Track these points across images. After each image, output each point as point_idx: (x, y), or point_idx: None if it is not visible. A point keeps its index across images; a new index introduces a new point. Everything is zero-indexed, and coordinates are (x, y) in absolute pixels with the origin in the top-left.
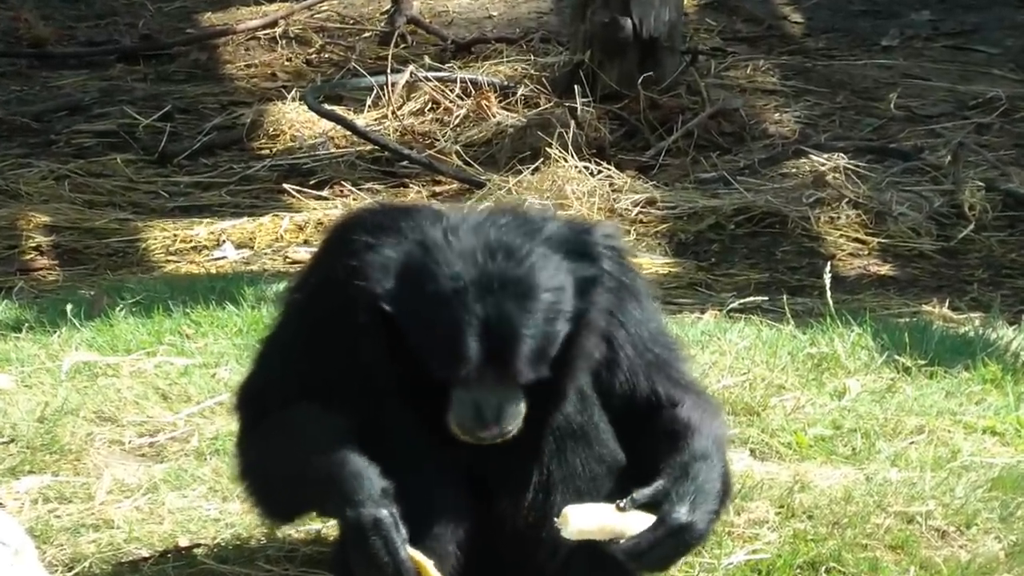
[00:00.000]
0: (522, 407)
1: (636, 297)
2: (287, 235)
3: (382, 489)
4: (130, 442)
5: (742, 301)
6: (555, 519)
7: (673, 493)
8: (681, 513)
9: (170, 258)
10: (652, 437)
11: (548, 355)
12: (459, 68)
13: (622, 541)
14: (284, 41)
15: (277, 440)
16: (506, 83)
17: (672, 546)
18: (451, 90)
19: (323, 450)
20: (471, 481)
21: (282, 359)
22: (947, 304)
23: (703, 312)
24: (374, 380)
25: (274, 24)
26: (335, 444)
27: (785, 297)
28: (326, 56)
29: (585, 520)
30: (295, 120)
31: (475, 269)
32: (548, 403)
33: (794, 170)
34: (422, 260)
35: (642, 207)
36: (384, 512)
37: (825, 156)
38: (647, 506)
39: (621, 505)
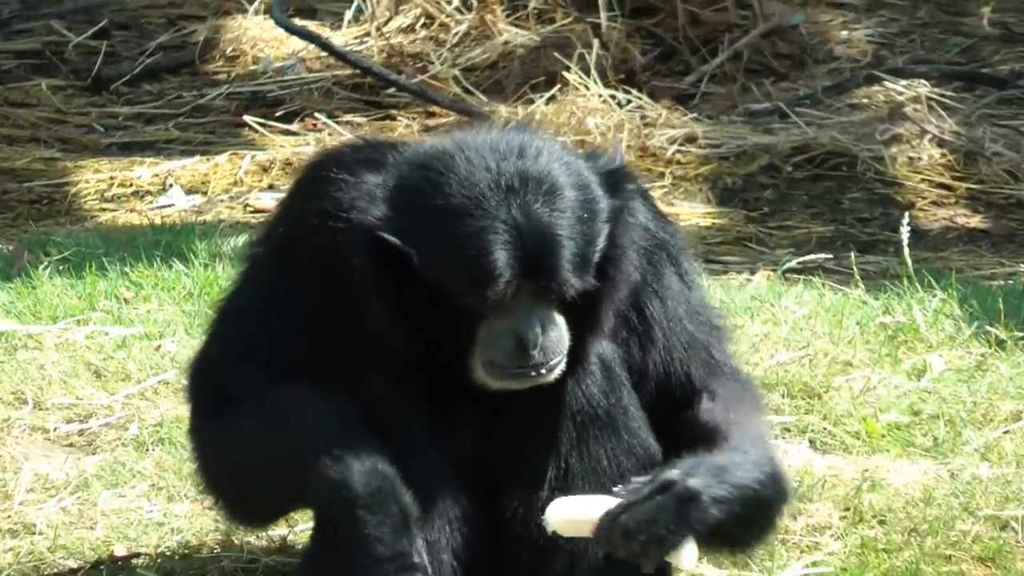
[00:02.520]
0: (566, 336)
1: (674, 261)
2: (248, 178)
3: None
4: (56, 429)
5: (801, 260)
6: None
7: (677, 464)
8: (674, 474)
9: (106, 205)
10: (682, 435)
11: (591, 260)
12: None
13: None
14: None
15: (254, 422)
16: None
17: (662, 509)
18: (448, 2)
19: (313, 423)
20: (476, 474)
21: (244, 326)
22: None
23: (753, 273)
24: (360, 345)
25: None
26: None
27: (853, 255)
28: None
29: (568, 511)
30: (258, 38)
31: (488, 173)
32: (582, 341)
33: (865, 100)
34: (420, 177)
35: (680, 144)
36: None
37: (903, 83)
38: None
39: (615, 491)
